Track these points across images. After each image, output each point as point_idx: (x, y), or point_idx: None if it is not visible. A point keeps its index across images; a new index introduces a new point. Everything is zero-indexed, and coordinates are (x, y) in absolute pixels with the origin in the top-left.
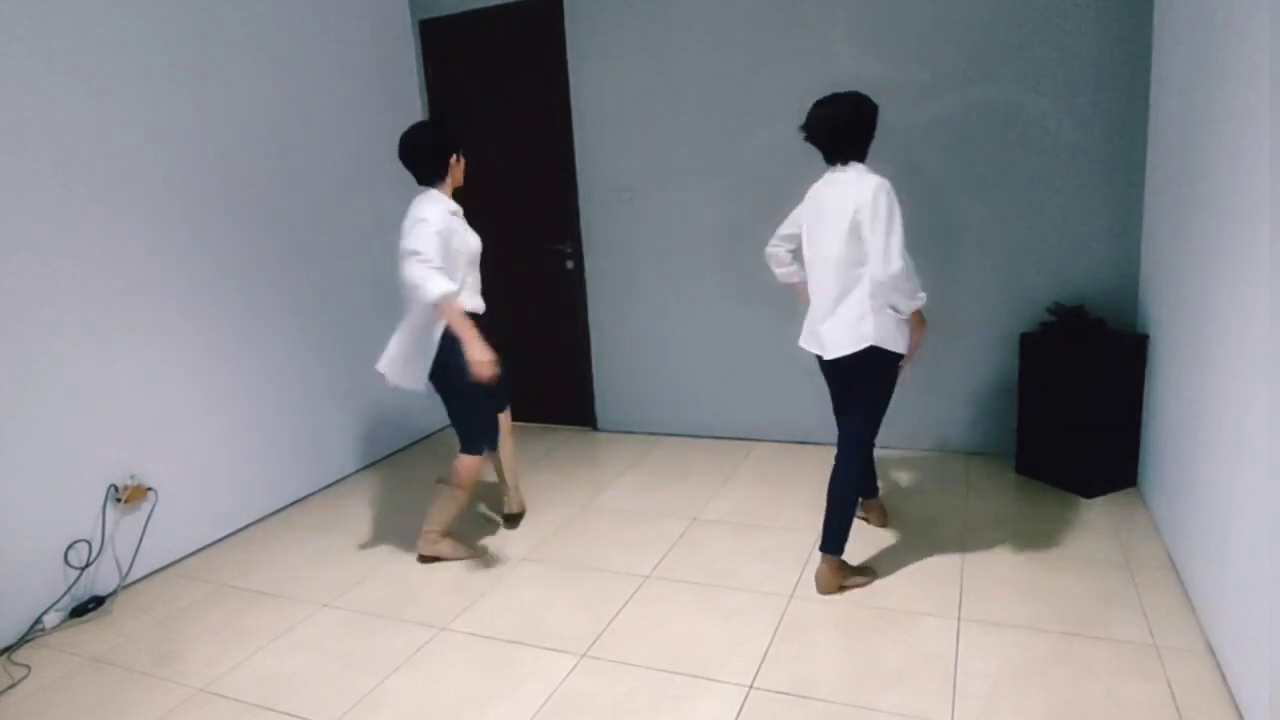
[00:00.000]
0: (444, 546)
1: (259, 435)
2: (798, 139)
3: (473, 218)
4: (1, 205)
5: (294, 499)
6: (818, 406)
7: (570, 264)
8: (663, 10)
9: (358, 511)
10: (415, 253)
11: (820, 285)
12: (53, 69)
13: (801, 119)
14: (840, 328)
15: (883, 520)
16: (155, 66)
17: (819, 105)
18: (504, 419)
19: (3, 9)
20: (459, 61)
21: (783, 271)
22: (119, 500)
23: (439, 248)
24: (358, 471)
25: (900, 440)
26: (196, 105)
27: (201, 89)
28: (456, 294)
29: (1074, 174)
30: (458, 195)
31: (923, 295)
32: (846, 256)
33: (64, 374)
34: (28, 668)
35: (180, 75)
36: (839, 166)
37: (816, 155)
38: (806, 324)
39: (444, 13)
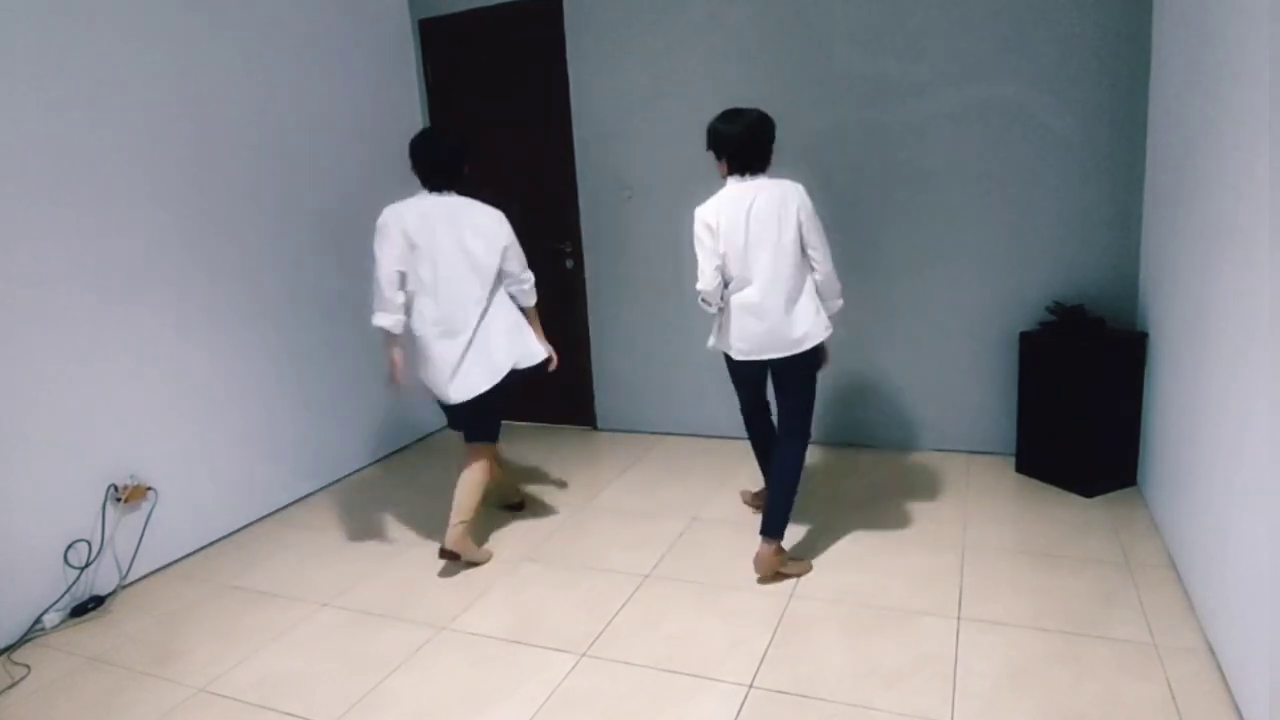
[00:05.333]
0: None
1: (259, 435)
2: (796, 137)
3: None
4: (1, 205)
5: (294, 499)
6: (817, 406)
7: (570, 264)
8: (663, 10)
9: (358, 511)
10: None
11: (770, 290)
12: (51, 70)
13: (800, 118)
14: (797, 325)
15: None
16: (153, 66)
17: (737, 120)
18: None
19: (4, 6)
20: (459, 61)
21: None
22: (119, 500)
23: None
24: (357, 471)
25: (900, 440)
26: (195, 105)
27: (200, 89)
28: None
29: (1073, 172)
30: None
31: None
32: (794, 260)
33: (64, 374)
34: (28, 667)
35: (179, 75)
36: (746, 176)
37: (812, 156)
38: (744, 333)
39: (444, 12)
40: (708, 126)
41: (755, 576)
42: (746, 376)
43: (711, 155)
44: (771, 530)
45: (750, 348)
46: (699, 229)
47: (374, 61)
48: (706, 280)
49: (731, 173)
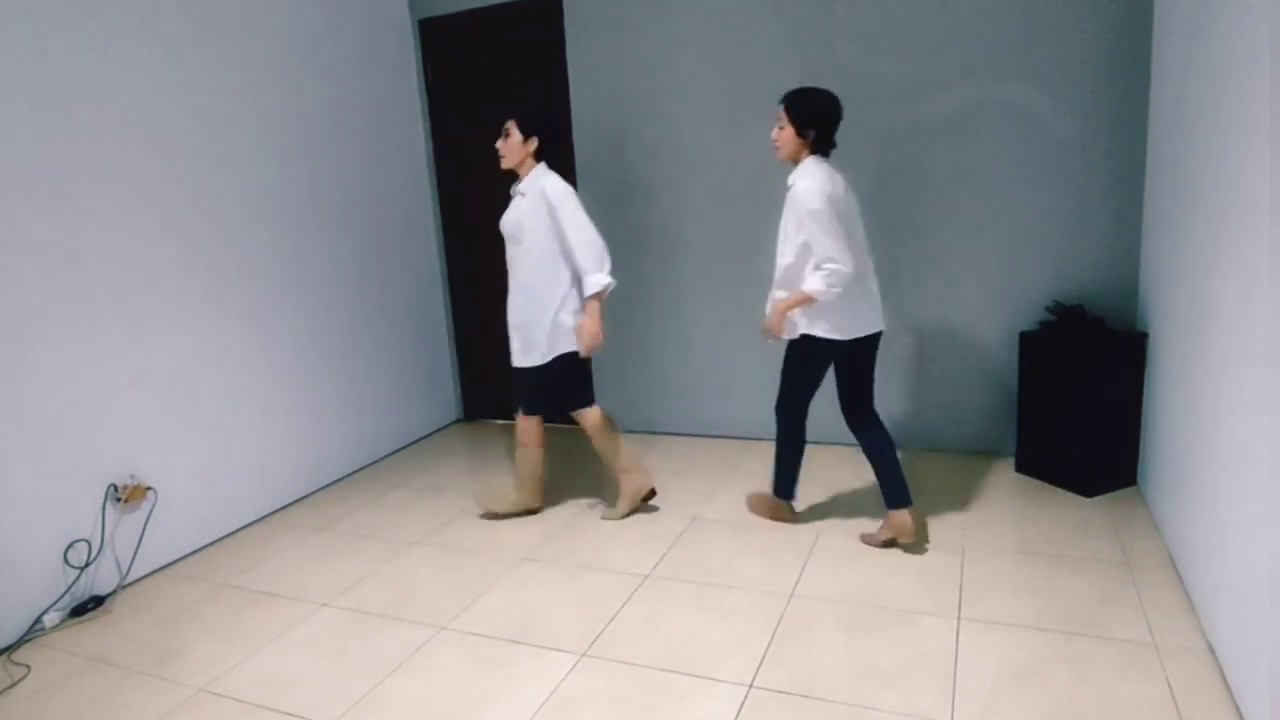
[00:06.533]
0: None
1: (259, 435)
2: None
3: (474, 216)
4: (1, 203)
5: (294, 499)
6: (817, 406)
7: None
8: (662, 11)
9: (357, 511)
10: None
11: (867, 266)
12: (53, 67)
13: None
14: (878, 304)
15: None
16: (155, 64)
17: (831, 99)
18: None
19: (4, 6)
20: (458, 61)
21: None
22: (119, 500)
23: None
24: (357, 471)
25: (900, 440)
26: (196, 104)
27: (201, 87)
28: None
29: (1074, 172)
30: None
31: None
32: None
33: (64, 373)
34: (27, 667)
35: (179, 73)
36: (824, 158)
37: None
38: (858, 308)
39: (444, 12)
40: (809, 98)
41: (910, 542)
42: (827, 362)
43: (790, 129)
44: (908, 498)
45: (863, 323)
46: (824, 205)
47: (374, 61)
48: (848, 260)
49: (815, 151)
